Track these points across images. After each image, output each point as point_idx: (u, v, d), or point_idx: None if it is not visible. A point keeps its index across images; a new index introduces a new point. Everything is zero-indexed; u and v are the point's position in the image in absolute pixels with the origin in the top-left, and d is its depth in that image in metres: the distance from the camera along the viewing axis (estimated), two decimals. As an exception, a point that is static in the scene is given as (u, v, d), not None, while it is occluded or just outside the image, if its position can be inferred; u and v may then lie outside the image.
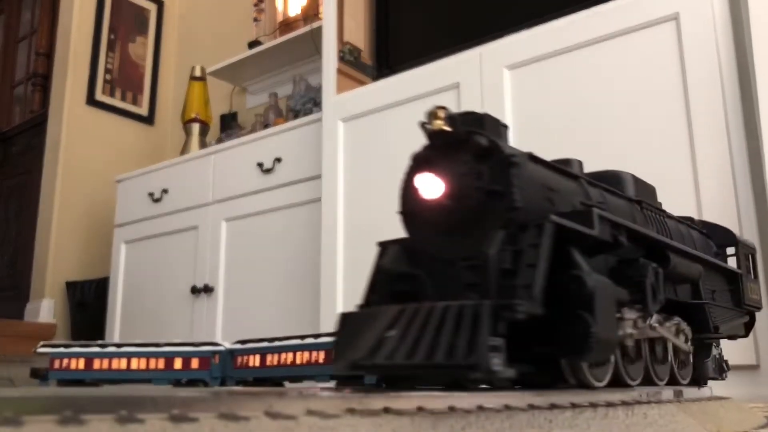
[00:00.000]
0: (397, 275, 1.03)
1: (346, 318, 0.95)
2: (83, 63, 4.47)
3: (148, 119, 4.76)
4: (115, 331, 3.79)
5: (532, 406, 0.84)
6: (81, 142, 4.38)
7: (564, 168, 1.15)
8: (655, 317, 1.18)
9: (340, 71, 3.21)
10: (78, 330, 4.12)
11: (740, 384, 1.75)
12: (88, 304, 4.07)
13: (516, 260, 0.91)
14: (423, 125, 1.02)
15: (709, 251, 1.52)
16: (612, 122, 2.24)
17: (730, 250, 1.61)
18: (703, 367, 1.41)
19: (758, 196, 1.97)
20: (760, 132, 1.96)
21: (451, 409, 0.77)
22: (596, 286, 0.92)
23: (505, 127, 1.11)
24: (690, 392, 1.24)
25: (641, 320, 1.13)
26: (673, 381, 1.25)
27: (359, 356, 0.85)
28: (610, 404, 0.93)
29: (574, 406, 0.88)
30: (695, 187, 2.06)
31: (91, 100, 4.47)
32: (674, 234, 1.37)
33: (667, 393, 1.19)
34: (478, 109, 2.31)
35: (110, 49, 4.61)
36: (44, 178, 4.35)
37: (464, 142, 1.00)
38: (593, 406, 0.91)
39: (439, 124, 1.00)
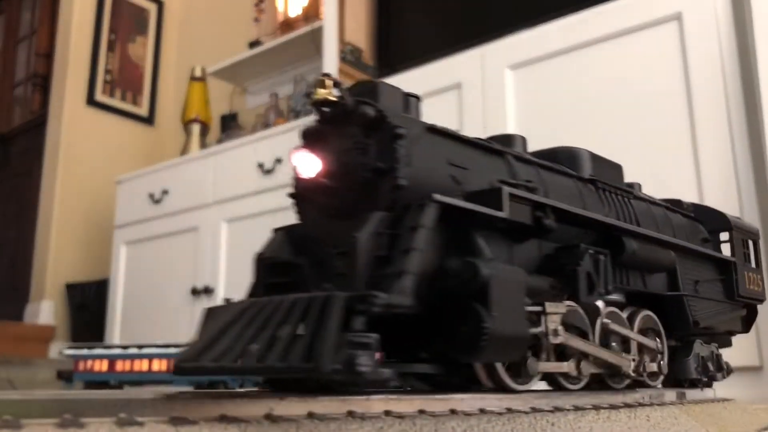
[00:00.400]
0: (274, 265, 0.92)
1: (209, 313, 0.85)
2: (83, 63, 4.46)
3: (148, 120, 4.76)
4: (115, 332, 3.78)
5: (534, 409, 0.84)
6: (81, 142, 4.37)
7: (485, 143, 1.04)
8: (606, 311, 1.08)
9: (341, 71, 3.20)
10: (78, 332, 4.11)
11: (744, 385, 1.73)
12: (88, 305, 4.07)
13: (393, 246, 0.81)
14: (307, 95, 0.93)
15: (695, 237, 1.40)
16: (615, 119, 2.24)
17: (724, 236, 1.48)
18: (683, 366, 1.28)
19: (759, 183, 1.95)
20: (762, 123, 1.94)
21: (453, 411, 0.76)
22: (493, 274, 0.81)
23: (416, 98, 1.01)
24: (693, 394, 1.23)
25: (576, 315, 1.00)
26: (638, 382, 1.13)
27: (185, 357, 0.75)
28: (613, 407, 0.92)
29: (576, 408, 0.87)
30: (696, 172, 2.05)
31: (91, 101, 4.46)
32: (643, 217, 1.24)
33: (670, 395, 1.18)
34: (480, 110, 2.30)
35: (110, 49, 4.60)
36: (44, 179, 4.34)
37: (353, 114, 0.90)
38: (596, 408, 0.90)
39: (324, 93, 0.89)
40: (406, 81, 2.82)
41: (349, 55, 3.40)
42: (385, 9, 3.38)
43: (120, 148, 4.55)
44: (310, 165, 0.90)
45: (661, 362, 1.19)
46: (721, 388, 1.41)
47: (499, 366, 0.89)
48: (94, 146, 4.42)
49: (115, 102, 4.60)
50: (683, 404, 1.09)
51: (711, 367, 1.34)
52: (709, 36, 2.10)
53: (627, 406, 0.95)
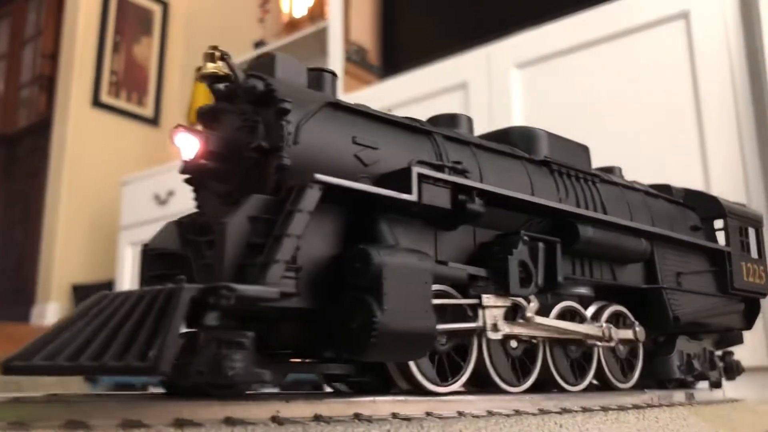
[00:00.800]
0: (158, 257, 0.85)
1: (80, 306, 0.76)
2: (88, 65, 4.47)
3: (154, 121, 4.76)
4: (121, 333, 3.78)
5: (542, 410, 0.83)
6: (86, 144, 4.38)
7: (407, 121, 0.95)
8: (558, 308, 1.00)
9: (346, 71, 3.20)
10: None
11: (754, 386, 1.71)
12: (94, 306, 4.06)
13: (268, 233, 0.72)
14: (197, 70, 0.84)
15: (683, 225, 1.30)
16: (622, 115, 2.23)
17: (719, 224, 1.37)
18: (664, 365, 1.19)
19: (766, 171, 1.93)
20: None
21: (460, 414, 0.76)
22: (386, 261, 0.73)
23: (330, 73, 0.93)
24: (702, 395, 1.22)
25: (513, 311, 0.92)
26: (606, 385, 1.06)
27: (16, 355, 0.67)
28: (621, 408, 0.91)
29: (585, 410, 0.87)
30: (703, 163, 2.03)
31: (97, 102, 4.46)
32: (611, 203, 1.15)
33: (679, 396, 1.17)
34: (487, 109, 2.24)
35: (115, 50, 4.61)
36: (50, 180, 4.35)
37: (243, 90, 0.82)
38: (604, 409, 0.89)
39: (212, 67, 0.82)
40: (411, 81, 2.81)
41: (354, 55, 3.40)
42: (391, 9, 3.38)
43: (125, 149, 4.55)
44: (189, 146, 0.82)
45: (634, 363, 1.13)
46: (730, 389, 1.38)
47: (413, 365, 0.81)
48: (99, 147, 4.43)
49: (121, 103, 4.60)
50: (692, 405, 1.08)
51: (698, 365, 1.24)
52: (717, 32, 2.09)
53: (635, 407, 0.95)
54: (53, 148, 4.38)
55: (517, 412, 0.79)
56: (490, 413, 0.78)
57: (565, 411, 0.83)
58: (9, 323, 4.04)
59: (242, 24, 4.51)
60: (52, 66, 4.73)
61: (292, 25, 4.08)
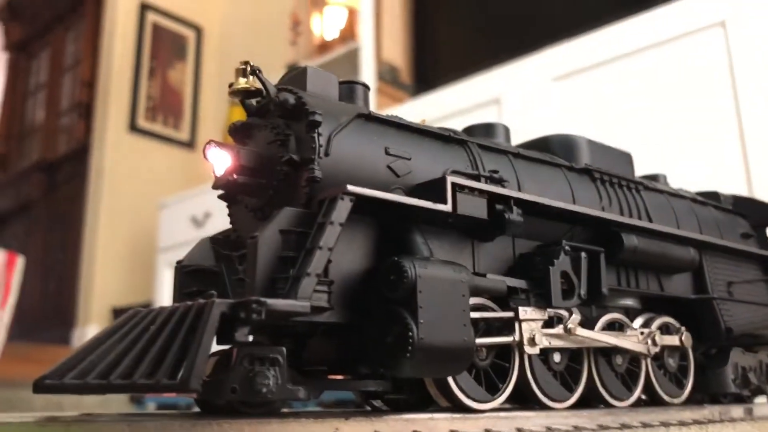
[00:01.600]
0: (191, 273, 0.85)
1: (113, 324, 0.74)
2: (125, 91, 4.55)
3: (190, 144, 4.82)
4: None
5: (601, 427, 0.81)
6: (124, 168, 4.45)
7: (441, 131, 0.93)
8: (603, 320, 0.97)
9: (378, 90, 3.21)
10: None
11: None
12: (133, 328, 4.10)
13: (300, 246, 0.70)
14: (229, 86, 0.83)
15: (733, 232, 1.26)
16: (661, 124, 2.19)
17: None
18: (717, 379, 1.14)
19: None
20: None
21: (519, 430, 0.74)
22: (422, 274, 0.71)
23: (362, 85, 0.91)
24: (762, 410, 1.18)
25: (548, 323, 0.88)
26: (654, 399, 1.02)
27: (48, 374, 0.66)
28: (682, 423, 0.89)
29: (644, 425, 0.84)
30: (746, 168, 1.99)
31: (133, 127, 4.54)
32: (656, 211, 1.11)
33: (737, 411, 1.13)
34: (521, 123, 2.20)
35: (151, 76, 4.69)
36: (89, 205, 4.42)
37: (275, 104, 0.82)
38: (665, 425, 0.86)
39: (244, 82, 0.81)
40: (443, 97, 2.81)
41: (386, 74, 3.41)
42: (422, 27, 3.39)
43: (162, 173, 4.62)
44: (221, 161, 0.81)
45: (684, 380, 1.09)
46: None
47: (451, 381, 0.78)
48: (137, 171, 4.50)
49: (157, 127, 4.68)
50: (754, 420, 1.05)
51: (754, 379, 1.19)
52: (755, 39, 2.06)
53: (696, 422, 0.91)
54: (92, 174, 4.46)
55: (577, 428, 0.77)
56: (549, 429, 0.76)
57: (624, 427, 0.81)
58: (50, 346, 4.10)
59: (274, 47, 4.56)
60: (90, 93, 4.83)
61: (324, 46, 4.11)
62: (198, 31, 5.02)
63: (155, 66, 4.73)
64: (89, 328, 4.21)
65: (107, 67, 4.57)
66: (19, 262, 2.18)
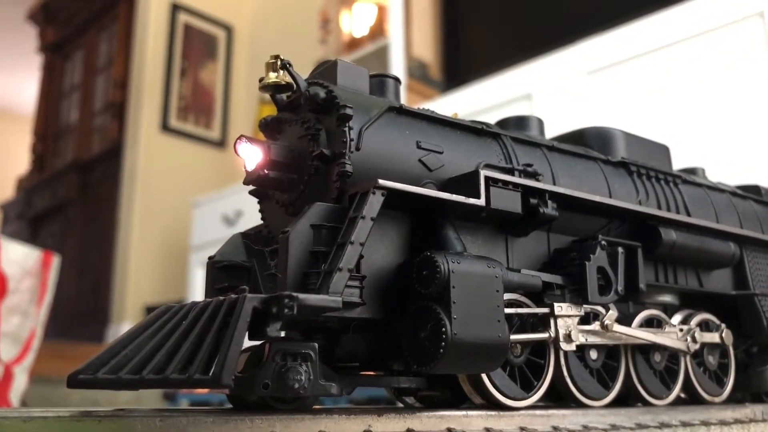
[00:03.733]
0: (222, 268, 0.85)
1: (146, 319, 0.75)
2: (157, 91, 4.60)
3: (221, 143, 4.86)
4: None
5: (640, 425, 0.79)
6: (156, 167, 4.50)
7: (474, 125, 0.92)
8: (640, 317, 0.95)
9: (408, 87, 3.20)
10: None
11: None
12: (166, 326, 4.15)
13: (332, 241, 0.70)
14: (260, 81, 0.82)
15: None
16: (698, 117, 2.15)
17: None
18: (759, 377, 1.11)
19: None
20: None
21: (555, 429, 0.72)
22: (455, 269, 0.70)
23: (394, 79, 0.90)
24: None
25: (580, 319, 0.86)
26: (694, 398, 0.99)
27: (82, 369, 0.66)
28: (723, 422, 0.86)
29: (684, 424, 0.82)
30: None
31: (165, 127, 4.59)
32: (695, 205, 1.09)
33: (780, 410, 1.10)
34: (554, 117, 2.15)
35: (182, 76, 4.74)
36: (122, 204, 4.48)
37: (306, 98, 0.81)
38: (705, 424, 0.84)
39: (274, 77, 0.80)
40: (473, 93, 2.79)
41: (416, 71, 3.40)
42: (452, 23, 3.37)
43: (194, 172, 4.66)
44: (252, 156, 0.80)
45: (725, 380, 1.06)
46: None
47: (485, 378, 0.77)
48: (169, 170, 4.55)
49: (189, 127, 4.72)
50: (800, 420, 1.02)
51: None
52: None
53: (737, 421, 0.89)
54: (125, 173, 4.52)
55: (614, 427, 0.75)
56: (586, 428, 0.74)
57: (664, 425, 0.79)
58: (85, 343, 4.16)
59: (304, 45, 4.58)
60: (122, 94, 4.89)
61: (354, 44, 4.11)
62: (228, 30, 5.06)
63: (187, 66, 4.77)
64: (123, 326, 4.27)
65: (139, 67, 4.62)
66: (55, 261, 2.21)
